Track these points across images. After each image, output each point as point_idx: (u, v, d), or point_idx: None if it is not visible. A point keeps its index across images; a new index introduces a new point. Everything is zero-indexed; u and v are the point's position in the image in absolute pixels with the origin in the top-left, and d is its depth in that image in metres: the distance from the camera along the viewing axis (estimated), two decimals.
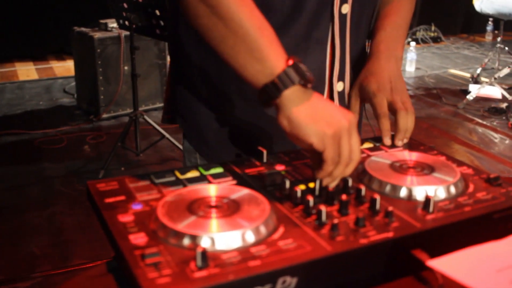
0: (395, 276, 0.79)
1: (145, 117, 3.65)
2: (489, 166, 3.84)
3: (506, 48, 5.62)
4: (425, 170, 0.96)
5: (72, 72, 5.02)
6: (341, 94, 1.24)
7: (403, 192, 0.89)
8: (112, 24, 4.41)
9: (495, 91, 5.31)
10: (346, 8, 1.16)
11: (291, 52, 0.96)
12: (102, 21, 4.48)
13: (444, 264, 0.70)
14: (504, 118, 4.80)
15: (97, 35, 4.32)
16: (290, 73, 0.91)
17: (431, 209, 0.83)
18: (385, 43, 1.22)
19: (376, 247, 0.75)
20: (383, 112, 1.12)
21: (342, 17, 1.16)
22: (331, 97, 1.23)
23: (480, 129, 4.60)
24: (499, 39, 5.88)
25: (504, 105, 4.95)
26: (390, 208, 0.81)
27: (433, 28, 8.22)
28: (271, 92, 0.92)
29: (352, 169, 0.93)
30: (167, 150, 3.87)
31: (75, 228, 2.94)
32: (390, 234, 0.77)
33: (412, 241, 0.78)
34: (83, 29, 4.50)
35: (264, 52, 0.93)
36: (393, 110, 1.12)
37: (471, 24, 8.87)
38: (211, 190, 0.85)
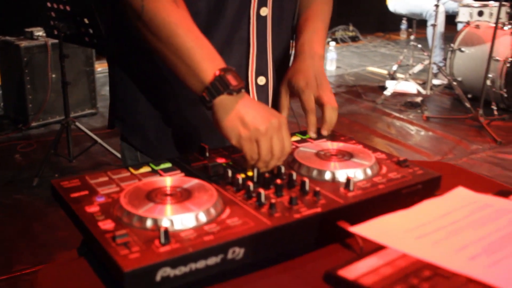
0: (324, 244, 0.95)
1: (77, 123, 3.70)
2: (406, 156, 4.09)
3: (419, 46, 5.98)
4: (345, 156, 1.13)
5: None
6: (263, 87, 1.39)
7: (327, 176, 1.05)
8: (38, 32, 4.42)
9: (411, 87, 5.65)
10: (265, 11, 1.31)
11: (218, 51, 1.13)
12: (27, 29, 4.48)
13: (363, 229, 0.86)
14: (419, 111, 5.12)
15: (23, 43, 4.31)
16: (216, 86, 1.07)
17: (351, 188, 1.00)
18: (308, 44, 1.36)
19: (308, 220, 0.90)
20: (311, 108, 1.28)
21: (261, 18, 1.32)
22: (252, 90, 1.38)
23: (397, 123, 4.89)
24: (412, 37, 6.25)
25: (419, 99, 5.28)
26: (318, 188, 0.97)
27: (351, 27, 8.57)
28: (204, 101, 1.09)
29: (273, 165, 1.08)
30: (100, 155, 3.93)
31: (15, 237, 2.97)
32: (318, 209, 0.92)
33: (337, 215, 0.94)
34: (8, 38, 4.48)
35: (197, 69, 1.09)
36: (319, 104, 1.28)
37: (386, 23, 9.29)
38: (165, 182, 0.98)
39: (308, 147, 1.18)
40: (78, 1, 3.26)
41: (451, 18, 6.09)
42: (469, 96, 5.28)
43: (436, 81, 5.90)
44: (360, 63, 7.27)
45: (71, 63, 4.42)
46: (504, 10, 5.41)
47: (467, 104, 4.99)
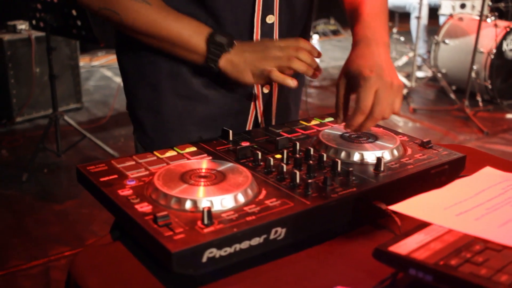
0: (357, 224, 0.95)
1: (66, 117, 3.64)
2: None
3: (402, 39, 6.01)
4: (370, 139, 1.12)
5: None
6: (266, 94, 1.35)
7: (356, 157, 1.04)
8: (21, 25, 4.34)
9: None
10: (271, 18, 1.27)
11: None
12: (10, 23, 4.39)
13: (404, 207, 0.86)
14: (405, 103, 5.16)
15: (7, 37, 4.23)
16: (213, 51, 1.17)
17: (382, 168, 0.99)
18: (370, 29, 1.18)
19: (345, 200, 0.90)
20: (364, 106, 1.06)
21: (267, 26, 1.27)
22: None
23: None
24: (395, 30, 6.28)
25: (404, 91, 5.31)
26: (350, 169, 0.96)
27: (332, 21, 8.58)
28: (211, 67, 1.19)
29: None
30: (89, 149, 3.88)
31: (7, 233, 2.92)
32: (353, 189, 0.92)
33: (370, 194, 0.93)
34: None
35: (191, 46, 1.19)
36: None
37: None
38: (197, 164, 0.96)
39: (332, 129, 1.18)
40: None
41: (432, 11, 6.14)
42: (454, 88, 5.33)
43: (420, 74, 5.94)
44: (343, 56, 7.28)
45: (54, 57, 4.33)
46: (487, 3, 5.46)
47: (452, 96, 5.03)
